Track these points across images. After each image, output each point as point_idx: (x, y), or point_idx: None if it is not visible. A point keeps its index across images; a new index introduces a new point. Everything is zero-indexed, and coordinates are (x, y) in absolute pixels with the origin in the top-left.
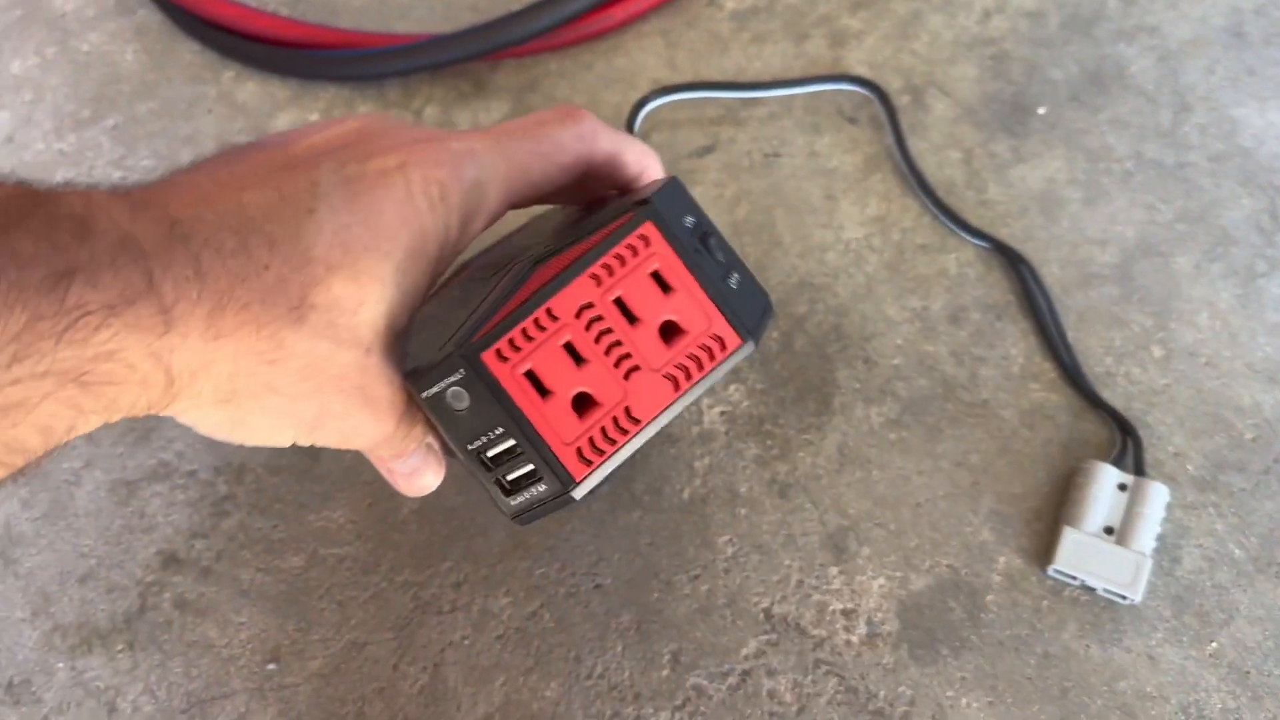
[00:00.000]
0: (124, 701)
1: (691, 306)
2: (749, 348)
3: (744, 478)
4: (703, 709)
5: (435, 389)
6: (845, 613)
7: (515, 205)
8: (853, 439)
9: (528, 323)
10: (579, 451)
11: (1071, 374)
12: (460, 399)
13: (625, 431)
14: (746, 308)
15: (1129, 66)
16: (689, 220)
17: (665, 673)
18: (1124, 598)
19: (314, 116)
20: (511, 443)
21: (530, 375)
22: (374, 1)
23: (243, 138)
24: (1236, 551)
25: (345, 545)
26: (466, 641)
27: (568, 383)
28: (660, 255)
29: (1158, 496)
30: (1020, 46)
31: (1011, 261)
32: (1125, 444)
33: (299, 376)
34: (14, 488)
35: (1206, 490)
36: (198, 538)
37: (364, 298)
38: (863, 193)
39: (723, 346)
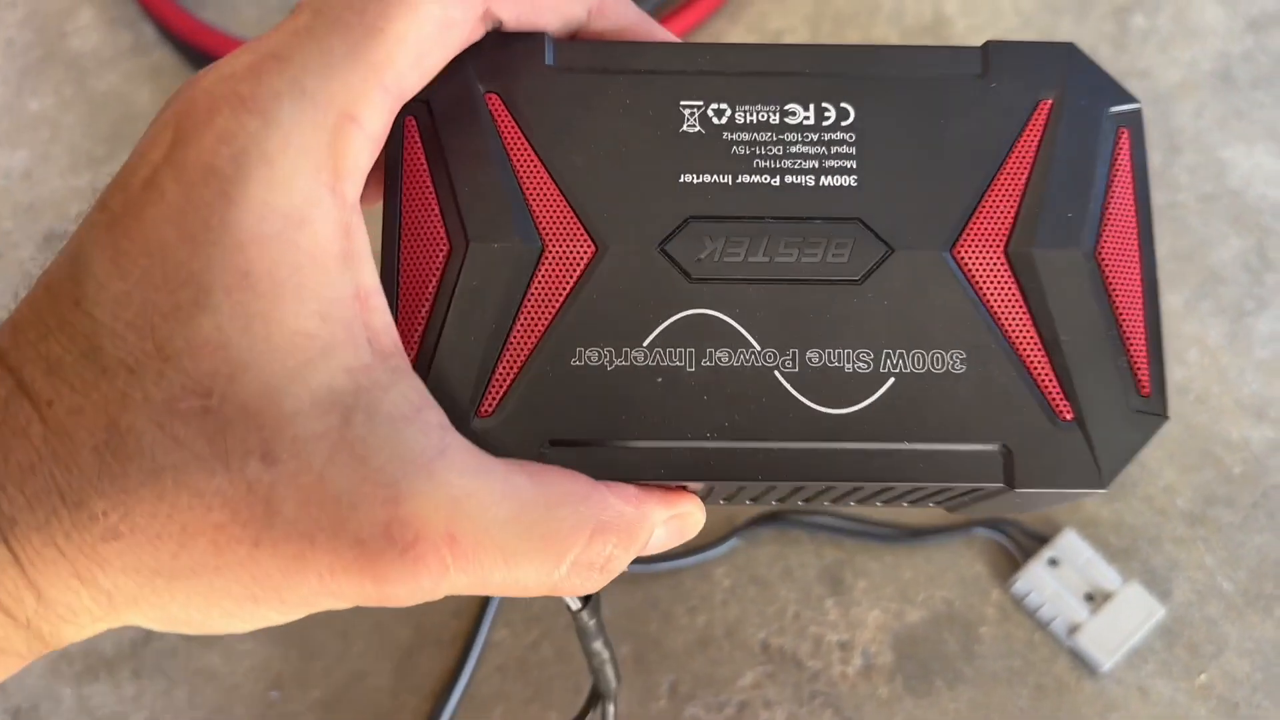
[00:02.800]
0: None
1: None
2: None
3: (742, 510)
4: None
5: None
6: (841, 644)
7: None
8: None
9: None
10: None
11: None
12: None
13: None
14: None
15: None
16: None
17: (663, 703)
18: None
19: None
20: None
21: None
22: None
23: None
24: (1225, 585)
25: None
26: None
27: None
28: None
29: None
30: None
31: None
32: None
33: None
34: None
35: (1196, 524)
36: None
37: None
38: None
39: None
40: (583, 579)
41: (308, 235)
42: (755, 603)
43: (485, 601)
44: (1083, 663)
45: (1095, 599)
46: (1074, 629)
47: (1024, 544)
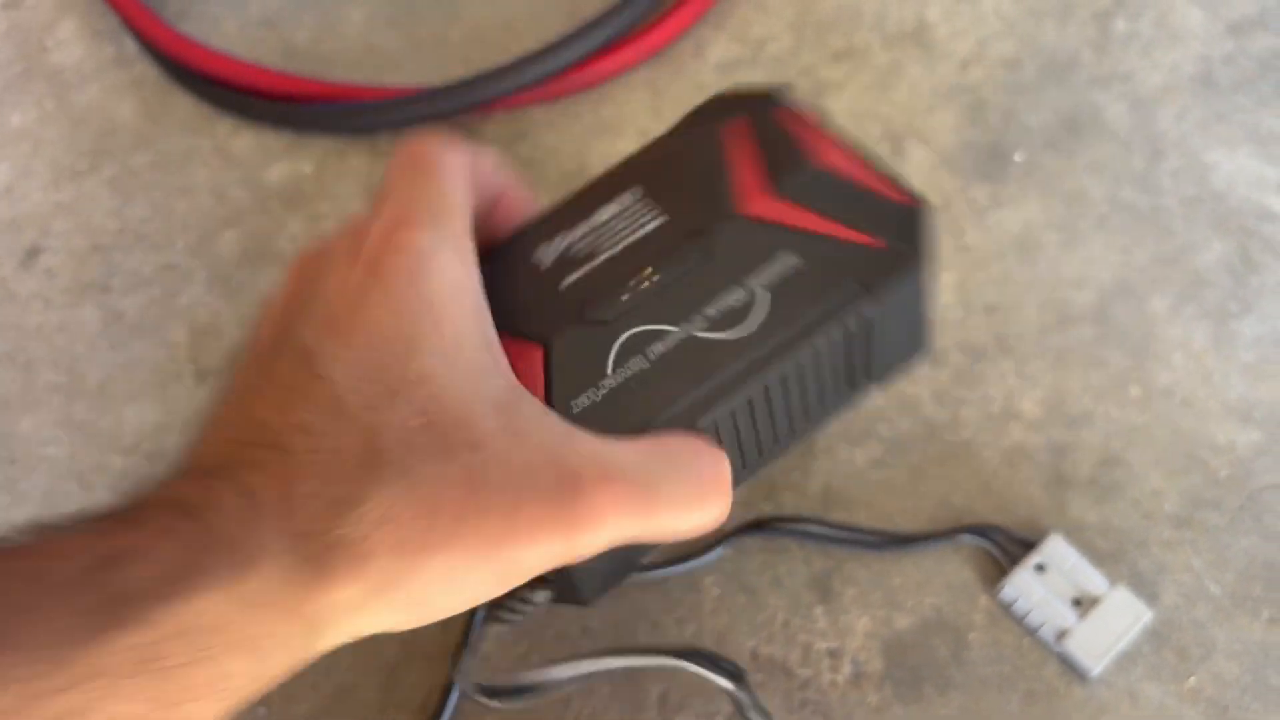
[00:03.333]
0: None
1: None
2: None
3: (729, 519)
4: None
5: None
6: (830, 652)
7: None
8: (837, 480)
9: None
10: None
11: None
12: None
13: None
14: None
15: (1103, 113)
16: None
17: (652, 714)
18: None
19: (307, 168)
20: None
21: None
22: (366, 55)
23: (237, 189)
24: (1213, 588)
25: None
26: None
27: None
28: None
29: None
30: (997, 94)
31: None
32: None
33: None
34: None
35: (1183, 527)
36: None
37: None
38: None
39: None
40: (709, 503)
41: (470, 296)
42: (744, 611)
43: (472, 615)
44: (1072, 668)
45: (1083, 604)
46: (1062, 634)
47: (1011, 550)
